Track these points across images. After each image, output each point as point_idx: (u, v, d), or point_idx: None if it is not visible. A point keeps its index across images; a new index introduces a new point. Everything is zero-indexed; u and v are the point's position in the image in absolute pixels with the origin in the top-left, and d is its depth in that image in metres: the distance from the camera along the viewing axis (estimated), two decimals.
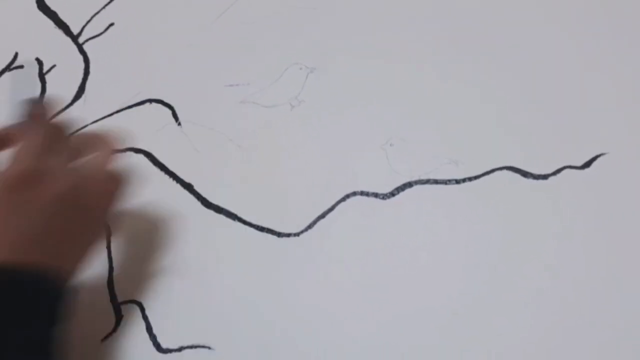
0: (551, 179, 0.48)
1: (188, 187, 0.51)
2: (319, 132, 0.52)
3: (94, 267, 0.48)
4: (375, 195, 0.49)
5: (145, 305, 0.47)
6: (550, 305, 0.44)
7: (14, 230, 0.37)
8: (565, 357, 0.43)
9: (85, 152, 0.43)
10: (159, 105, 0.55)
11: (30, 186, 0.38)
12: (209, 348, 0.45)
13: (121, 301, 0.47)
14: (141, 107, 0.55)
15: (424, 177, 0.49)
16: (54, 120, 0.43)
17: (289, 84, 0.54)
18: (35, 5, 0.60)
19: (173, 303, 0.47)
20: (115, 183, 0.42)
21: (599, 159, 0.48)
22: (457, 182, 0.49)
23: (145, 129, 0.53)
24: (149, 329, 0.47)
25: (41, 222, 0.38)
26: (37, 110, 0.42)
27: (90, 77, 0.56)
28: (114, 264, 0.49)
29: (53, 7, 0.60)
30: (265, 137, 0.52)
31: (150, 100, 0.55)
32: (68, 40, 0.58)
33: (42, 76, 0.57)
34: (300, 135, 0.52)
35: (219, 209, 0.50)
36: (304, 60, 0.55)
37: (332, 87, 0.54)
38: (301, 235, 0.49)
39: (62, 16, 0.59)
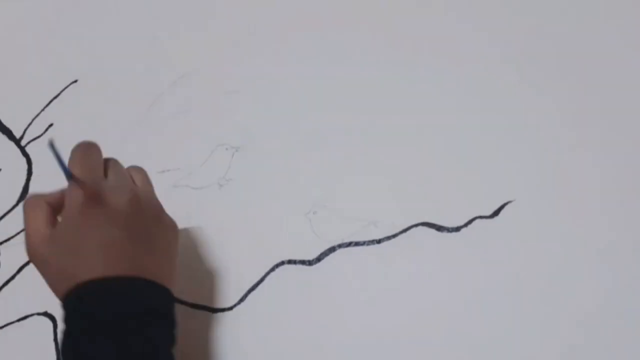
0: (463, 230, 0.51)
1: None
2: (247, 207, 0.55)
3: None
4: (302, 262, 0.52)
5: None
6: (471, 353, 0.46)
7: (116, 246, 0.41)
8: None
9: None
10: None
11: (104, 204, 0.41)
12: None
13: None
14: None
15: (347, 240, 0.52)
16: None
17: (217, 165, 0.57)
18: None
19: None
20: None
21: (506, 207, 0.51)
22: (378, 241, 0.52)
23: None
24: None
25: (127, 234, 0.41)
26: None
27: (32, 177, 0.60)
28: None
29: None
30: (197, 217, 0.55)
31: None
32: (11, 144, 0.62)
33: None
34: (230, 212, 0.55)
35: None
36: (230, 141, 0.58)
37: (257, 164, 0.57)
38: (234, 309, 0.51)
39: (5, 121, 0.63)
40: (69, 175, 0.40)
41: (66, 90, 0.64)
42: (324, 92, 0.60)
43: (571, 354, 0.45)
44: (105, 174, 0.44)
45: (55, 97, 0.64)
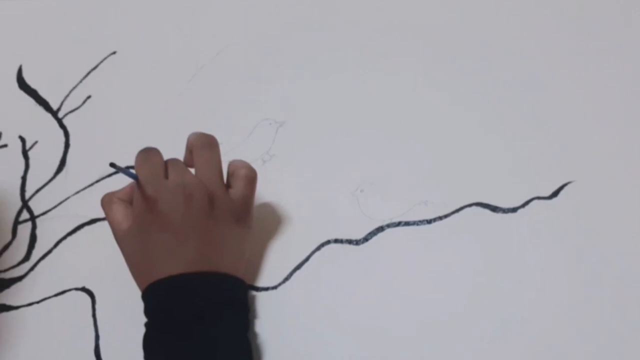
0: (520, 211, 0.49)
1: None
2: (291, 184, 0.53)
3: (80, 336, 0.49)
4: (349, 241, 0.50)
5: None
6: (530, 336, 0.44)
7: (172, 247, 0.44)
8: None
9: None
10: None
11: (158, 209, 0.44)
12: None
13: None
14: (119, 175, 0.56)
15: (396, 219, 0.50)
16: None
17: (260, 140, 0.55)
18: (16, 84, 0.62)
19: None
20: (249, 179, 0.47)
21: (565, 188, 0.49)
22: (429, 222, 0.50)
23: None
24: None
25: (183, 235, 0.44)
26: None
27: (70, 150, 0.58)
28: (100, 332, 0.50)
29: (33, 85, 0.62)
30: None
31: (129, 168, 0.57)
32: (49, 115, 0.60)
33: (25, 153, 0.59)
34: (273, 189, 0.53)
35: None
36: (273, 115, 0.56)
37: (301, 140, 0.55)
38: (279, 288, 0.49)
39: (42, 93, 0.62)
40: (135, 178, 0.45)
41: (104, 61, 0.62)
42: (370, 69, 0.58)
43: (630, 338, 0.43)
44: (167, 175, 0.46)
45: (93, 69, 0.62)
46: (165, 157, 0.47)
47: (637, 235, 0.47)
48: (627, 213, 0.48)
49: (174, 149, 0.54)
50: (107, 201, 0.47)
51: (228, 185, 0.48)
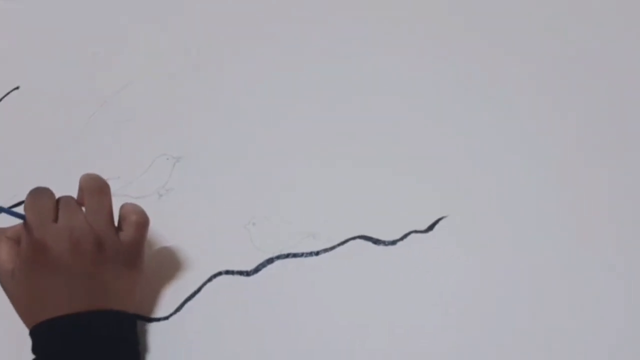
0: (399, 243, 0.52)
1: None
2: (185, 217, 0.55)
3: None
4: (240, 272, 0.52)
5: None
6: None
7: (61, 289, 0.44)
8: None
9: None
10: None
11: (46, 252, 0.44)
12: None
13: None
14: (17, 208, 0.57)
15: (285, 251, 0.53)
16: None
17: (157, 174, 0.57)
18: None
19: None
20: (140, 224, 0.48)
21: (440, 222, 0.53)
22: (316, 253, 0.52)
23: None
24: None
25: (70, 276, 0.45)
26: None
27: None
28: None
29: None
30: None
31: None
32: None
33: None
34: (168, 222, 0.55)
35: None
36: (171, 151, 0.58)
37: (198, 175, 0.57)
38: (170, 319, 0.51)
39: None
40: (23, 218, 0.45)
41: (8, 96, 0.63)
42: (264, 105, 0.61)
43: None
44: (57, 216, 0.46)
45: None
46: (63, 193, 0.48)
47: (505, 266, 0.50)
48: (498, 244, 0.51)
49: (71, 185, 0.55)
50: None
51: (119, 228, 0.48)
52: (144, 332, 0.50)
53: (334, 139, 0.58)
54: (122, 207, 0.49)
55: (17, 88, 0.64)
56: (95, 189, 0.48)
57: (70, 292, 0.45)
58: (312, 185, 0.56)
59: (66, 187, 0.49)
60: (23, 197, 0.55)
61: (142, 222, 0.48)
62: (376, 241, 0.52)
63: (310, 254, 0.52)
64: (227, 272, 0.52)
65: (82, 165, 0.59)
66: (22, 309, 0.46)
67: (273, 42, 0.65)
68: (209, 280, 0.52)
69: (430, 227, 0.53)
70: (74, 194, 0.49)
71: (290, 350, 0.48)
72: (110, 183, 0.56)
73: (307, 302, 0.51)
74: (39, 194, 0.47)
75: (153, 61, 0.65)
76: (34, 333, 0.45)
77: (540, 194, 0.53)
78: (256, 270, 0.52)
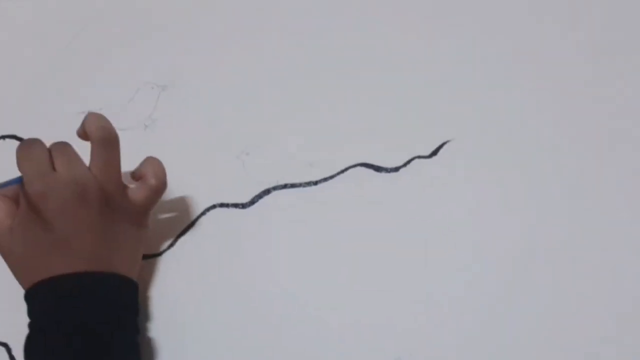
0: (402, 170, 0.50)
1: None
2: (174, 149, 0.52)
3: None
4: (235, 205, 0.50)
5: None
6: (413, 289, 0.46)
7: (63, 244, 0.41)
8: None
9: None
10: (14, 141, 0.54)
11: (46, 205, 0.41)
12: None
13: None
14: None
15: (282, 182, 0.50)
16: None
17: (142, 104, 0.54)
18: None
19: None
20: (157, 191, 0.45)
21: (445, 146, 0.50)
22: (315, 183, 0.50)
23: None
24: None
25: (75, 230, 0.41)
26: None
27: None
28: None
29: None
30: (122, 159, 0.51)
31: (4, 137, 0.54)
32: None
33: None
34: (157, 153, 0.51)
35: None
36: (155, 79, 0.54)
37: (184, 104, 0.54)
38: (163, 255, 0.48)
39: None
40: (19, 182, 0.42)
41: None
42: (256, 27, 0.57)
43: (504, 294, 0.45)
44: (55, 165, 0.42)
45: None
46: (45, 128, 0.45)
47: (512, 190, 0.49)
48: (504, 168, 0.49)
49: (53, 112, 0.52)
50: None
51: (132, 181, 0.45)
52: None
53: (331, 63, 0.55)
54: (144, 165, 0.45)
55: None
56: (106, 142, 0.43)
57: (72, 249, 0.41)
58: (309, 112, 0.53)
59: (48, 124, 0.45)
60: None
61: (160, 188, 0.45)
62: (378, 168, 0.50)
63: (309, 183, 0.50)
64: (222, 205, 0.50)
65: (61, 96, 0.55)
66: (18, 269, 0.43)
67: None
68: (203, 213, 0.50)
69: (434, 152, 0.50)
70: (56, 132, 0.45)
71: (287, 283, 0.47)
72: None
73: (305, 233, 0.49)
74: (30, 145, 0.43)
75: None
76: (29, 294, 0.42)
77: (546, 117, 0.51)
78: (252, 202, 0.50)
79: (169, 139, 0.52)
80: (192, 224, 0.49)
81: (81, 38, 0.57)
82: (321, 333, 0.45)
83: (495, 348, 0.44)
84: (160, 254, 0.48)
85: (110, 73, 0.56)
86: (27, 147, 0.42)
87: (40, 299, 0.41)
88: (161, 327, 0.46)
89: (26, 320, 0.41)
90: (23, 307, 0.43)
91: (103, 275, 0.42)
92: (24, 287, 0.42)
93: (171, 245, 0.49)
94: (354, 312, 0.46)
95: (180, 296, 0.47)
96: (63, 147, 0.43)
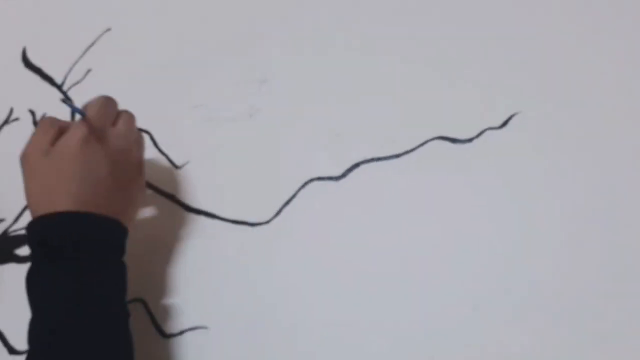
0: (475, 141, 0.56)
1: (171, 197, 0.59)
2: (277, 133, 0.60)
3: None
4: (330, 178, 0.57)
5: (147, 301, 0.56)
6: (496, 259, 0.52)
7: (90, 183, 0.47)
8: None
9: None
10: None
11: (100, 142, 0.48)
12: (206, 328, 0.53)
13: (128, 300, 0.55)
14: None
15: (369, 156, 0.57)
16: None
17: (246, 96, 0.62)
18: (22, 64, 0.69)
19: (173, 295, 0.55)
20: (141, 142, 0.53)
21: (514, 118, 0.56)
22: (397, 156, 0.57)
23: None
24: (153, 321, 0.55)
25: (107, 175, 0.47)
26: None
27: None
28: None
29: (37, 64, 0.68)
30: (233, 144, 0.60)
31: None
32: (54, 90, 0.67)
33: (35, 124, 0.65)
34: (261, 138, 0.60)
35: (199, 212, 0.58)
36: (255, 75, 0.63)
37: (282, 94, 0.62)
38: (271, 222, 0.57)
39: (46, 70, 0.68)
40: (82, 114, 0.48)
41: (101, 38, 0.69)
42: (338, 28, 0.64)
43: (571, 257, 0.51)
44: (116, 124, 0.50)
45: (91, 45, 0.69)
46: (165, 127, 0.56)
47: (578, 161, 0.54)
48: (572, 140, 0.55)
49: (168, 108, 0.61)
50: (46, 122, 0.49)
51: None
52: (248, 237, 0.56)
53: (407, 51, 0.61)
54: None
55: (108, 30, 0.69)
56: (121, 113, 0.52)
57: (105, 189, 0.47)
58: (387, 94, 0.60)
59: (163, 116, 0.54)
60: None
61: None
62: (454, 140, 0.56)
63: (392, 156, 0.57)
64: (319, 179, 0.57)
65: (175, 93, 0.64)
66: (38, 194, 0.47)
67: None
68: (303, 186, 0.57)
69: (504, 123, 0.56)
70: (173, 124, 0.56)
71: (384, 241, 0.54)
72: (204, 108, 0.62)
73: (394, 201, 0.55)
74: (106, 100, 0.51)
75: None
76: (34, 224, 0.46)
77: (613, 87, 0.56)
78: (343, 175, 0.57)
79: (272, 125, 0.60)
80: (294, 195, 0.57)
81: (188, 43, 0.67)
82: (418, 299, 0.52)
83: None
84: (268, 222, 0.57)
85: (216, 71, 0.64)
86: (103, 100, 0.50)
87: (46, 229, 0.45)
88: (274, 285, 0.54)
89: (161, 274, 0.50)
90: (157, 264, 0.52)
91: (105, 218, 0.47)
92: (32, 214, 0.47)
93: (277, 214, 0.57)
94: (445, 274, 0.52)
95: (287, 260, 0.55)
96: (128, 113, 0.52)
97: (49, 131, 0.48)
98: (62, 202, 0.46)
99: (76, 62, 0.68)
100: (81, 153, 0.47)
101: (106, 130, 0.49)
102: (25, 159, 0.48)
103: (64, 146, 0.47)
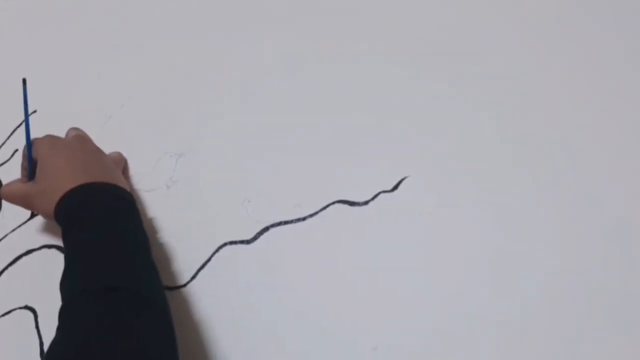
0: (371, 203, 0.62)
1: None
2: (192, 202, 0.65)
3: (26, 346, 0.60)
4: (242, 242, 0.63)
5: None
6: (391, 311, 0.58)
7: (94, 164, 0.62)
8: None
9: None
10: None
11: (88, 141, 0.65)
12: None
13: None
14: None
15: (277, 220, 0.63)
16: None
17: (164, 169, 0.68)
18: None
19: None
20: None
21: (404, 181, 0.63)
22: (303, 219, 0.63)
23: None
24: None
25: (102, 160, 0.64)
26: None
27: None
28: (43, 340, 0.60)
29: None
30: (151, 213, 0.65)
31: None
32: None
33: None
34: (178, 207, 0.65)
35: None
36: (173, 149, 0.69)
37: (198, 167, 0.68)
38: (187, 286, 0.61)
39: None
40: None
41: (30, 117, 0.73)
42: (244, 106, 0.71)
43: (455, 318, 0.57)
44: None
45: (17, 127, 0.73)
46: None
47: (465, 216, 0.60)
48: (455, 201, 0.61)
49: None
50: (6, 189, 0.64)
51: None
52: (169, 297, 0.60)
53: (307, 127, 0.68)
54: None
55: (34, 112, 0.74)
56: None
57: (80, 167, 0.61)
58: (292, 165, 0.66)
59: None
60: None
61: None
62: (352, 203, 0.62)
63: (299, 219, 0.63)
64: (232, 243, 0.63)
65: None
66: (43, 196, 0.60)
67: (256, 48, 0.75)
68: (217, 250, 0.62)
69: (396, 187, 0.63)
70: None
71: (294, 305, 0.59)
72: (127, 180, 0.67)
73: (300, 261, 0.61)
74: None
75: (148, 78, 0.75)
76: (60, 204, 0.58)
77: (491, 148, 0.63)
78: (255, 238, 0.62)
79: (188, 195, 0.66)
80: (209, 259, 0.62)
81: (113, 121, 0.72)
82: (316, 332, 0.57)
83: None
84: (185, 285, 0.61)
85: (137, 147, 0.70)
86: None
87: (70, 202, 0.58)
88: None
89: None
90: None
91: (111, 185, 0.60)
92: (49, 215, 0.60)
93: (193, 277, 0.61)
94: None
95: (205, 320, 0.59)
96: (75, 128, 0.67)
97: (15, 183, 0.64)
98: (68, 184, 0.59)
99: (4, 143, 0.72)
100: (58, 152, 0.62)
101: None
102: (30, 198, 0.63)
103: (42, 160, 0.62)
